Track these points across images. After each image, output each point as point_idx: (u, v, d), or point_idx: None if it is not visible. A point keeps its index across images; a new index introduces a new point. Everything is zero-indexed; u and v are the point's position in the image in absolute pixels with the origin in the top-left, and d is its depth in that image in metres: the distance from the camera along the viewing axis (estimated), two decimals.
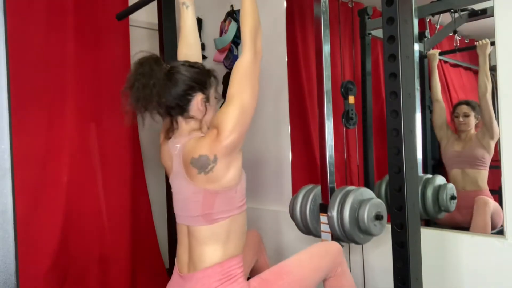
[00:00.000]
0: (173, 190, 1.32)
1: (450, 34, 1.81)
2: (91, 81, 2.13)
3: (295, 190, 2.19)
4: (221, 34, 2.42)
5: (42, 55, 1.95)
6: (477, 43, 1.66)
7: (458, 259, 1.57)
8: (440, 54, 1.83)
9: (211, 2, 2.58)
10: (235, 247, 1.24)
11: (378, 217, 1.41)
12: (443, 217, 1.74)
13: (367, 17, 1.97)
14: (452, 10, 1.76)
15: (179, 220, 1.31)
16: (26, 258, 1.77)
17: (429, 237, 1.61)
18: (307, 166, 2.20)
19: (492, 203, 1.61)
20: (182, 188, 1.26)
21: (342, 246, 1.50)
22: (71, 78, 2.07)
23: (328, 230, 1.47)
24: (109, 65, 2.19)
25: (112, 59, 2.22)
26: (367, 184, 2.03)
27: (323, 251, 1.38)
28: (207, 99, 1.30)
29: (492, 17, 1.48)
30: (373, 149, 2.00)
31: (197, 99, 1.27)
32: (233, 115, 1.18)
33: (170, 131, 1.33)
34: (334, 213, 1.42)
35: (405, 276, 1.19)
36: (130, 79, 1.22)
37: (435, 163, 1.87)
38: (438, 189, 1.68)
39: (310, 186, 1.65)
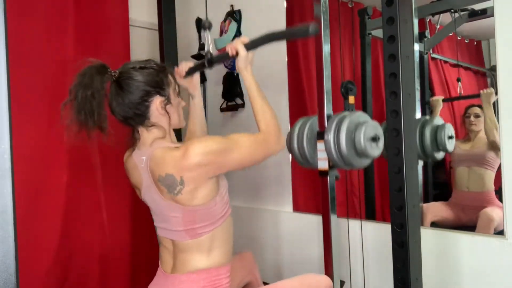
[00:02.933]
0: (149, 204, 1.23)
1: (450, 34, 1.80)
2: None
3: (295, 190, 2.19)
4: (221, 34, 2.42)
5: (42, 55, 1.95)
6: (482, 91, 1.65)
7: (458, 259, 1.57)
8: (444, 100, 1.82)
9: (211, 2, 2.58)
10: (222, 253, 1.20)
11: (375, 139, 1.39)
12: (448, 216, 1.73)
13: (367, 17, 1.97)
14: (452, 10, 1.76)
15: (160, 233, 1.24)
16: (26, 258, 1.77)
17: (429, 237, 1.61)
18: None
19: (496, 217, 1.58)
20: (158, 204, 1.17)
21: (338, 178, 1.50)
22: (71, 78, 2.06)
23: (325, 156, 1.44)
24: (109, 65, 2.18)
25: (112, 59, 2.20)
26: (367, 185, 2.03)
27: (314, 284, 1.36)
28: (167, 101, 1.19)
29: (492, 17, 1.48)
30: None
31: (156, 103, 1.17)
32: (211, 146, 1.09)
33: (131, 143, 1.24)
34: (330, 136, 1.40)
35: (405, 276, 1.19)
36: (71, 90, 1.12)
37: (435, 164, 1.87)
38: (436, 129, 1.67)
39: (305, 117, 1.64)
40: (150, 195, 1.18)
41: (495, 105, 1.54)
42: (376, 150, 1.40)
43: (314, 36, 1.14)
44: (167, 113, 1.19)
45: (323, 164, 1.47)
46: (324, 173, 1.48)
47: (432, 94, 1.85)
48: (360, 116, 1.44)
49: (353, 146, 1.39)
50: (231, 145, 1.13)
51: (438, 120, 1.69)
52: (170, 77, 1.23)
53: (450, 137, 1.66)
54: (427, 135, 1.64)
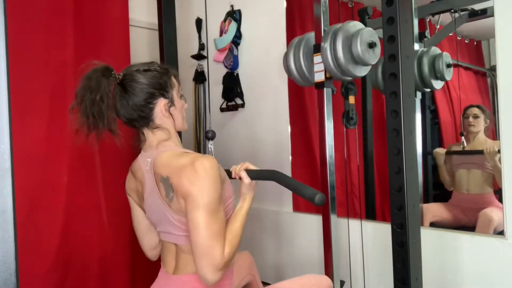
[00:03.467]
0: (150, 211, 1.21)
1: (450, 34, 1.80)
2: None
3: None
4: (221, 34, 2.42)
5: (42, 55, 1.95)
6: (485, 149, 1.64)
7: (458, 259, 1.57)
8: (447, 153, 1.83)
9: (211, 2, 2.58)
10: None
11: (371, 45, 1.38)
12: (448, 218, 1.73)
13: (367, 17, 1.97)
14: (452, 10, 1.76)
15: (164, 237, 1.22)
16: (26, 258, 1.77)
17: (429, 237, 1.61)
18: (307, 166, 2.20)
19: (496, 217, 1.58)
20: (159, 207, 1.16)
21: (334, 91, 1.48)
22: (71, 78, 2.06)
23: (322, 68, 1.43)
24: (109, 65, 2.18)
25: (112, 59, 2.21)
26: (367, 185, 2.03)
27: (314, 285, 1.36)
28: (171, 103, 1.19)
29: (492, 17, 1.48)
30: (373, 149, 2.00)
31: (160, 105, 1.17)
32: (213, 184, 1.06)
33: (138, 144, 1.24)
34: (327, 45, 1.38)
35: (405, 276, 1.19)
36: (78, 94, 1.11)
37: (435, 163, 1.87)
38: (434, 58, 1.66)
39: (301, 36, 1.62)
40: (153, 198, 1.17)
41: (495, 105, 1.54)
42: (372, 56, 1.38)
43: (318, 205, 1.11)
44: (171, 115, 1.20)
45: (319, 76, 1.46)
46: (320, 85, 1.46)
47: (432, 94, 1.85)
48: (356, 24, 1.42)
49: (350, 53, 1.38)
50: (213, 207, 1.05)
51: (435, 50, 1.68)
52: (173, 79, 1.23)
53: (448, 65, 1.65)
54: (425, 64, 1.63)
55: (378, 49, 1.40)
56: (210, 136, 1.51)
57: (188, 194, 1.06)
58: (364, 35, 1.37)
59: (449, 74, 1.66)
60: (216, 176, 1.07)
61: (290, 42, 1.62)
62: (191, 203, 1.05)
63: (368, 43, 1.38)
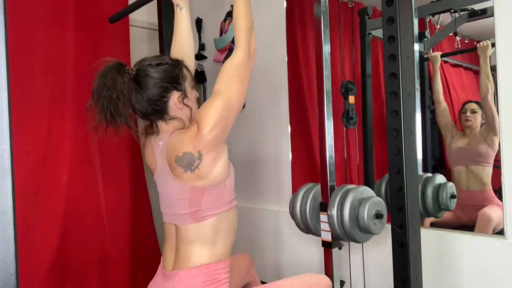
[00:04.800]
0: (158, 188, 1.28)
1: (450, 34, 1.80)
2: (91, 81, 2.13)
3: (295, 190, 2.18)
4: (221, 34, 2.42)
5: (42, 55, 1.95)
6: (478, 44, 1.65)
7: (458, 259, 1.57)
8: (442, 56, 1.83)
9: (211, 2, 2.58)
10: (224, 248, 1.22)
11: (378, 216, 1.41)
12: (448, 216, 1.73)
13: (367, 17, 1.96)
14: (452, 10, 1.76)
15: (165, 218, 1.27)
16: (26, 258, 1.77)
17: (429, 237, 1.61)
18: (307, 166, 2.20)
19: (495, 217, 1.58)
20: (167, 186, 1.22)
21: (341, 247, 1.49)
22: (71, 78, 2.07)
23: (328, 229, 1.47)
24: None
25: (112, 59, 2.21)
26: (367, 184, 2.03)
27: (314, 283, 1.37)
28: (184, 95, 1.23)
29: (492, 17, 1.48)
30: (373, 149, 2.00)
31: (174, 98, 1.21)
32: (216, 110, 1.13)
33: (150, 132, 1.28)
34: (334, 211, 1.42)
35: (405, 276, 1.19)
36: (94, 92, 1.16)
37: (435, 163, 1.87)
38: (438, 188, 1.68)
39: (310, 184, 1.65)
40: (162, 178, 1.22)
41: (496, 105, 1.54)
42: (379, 227, 1.42)
43: None
44: (186, 106, 1.23)
45: (326, 236, 1.48)
46: (327, 244, 1.49)
47: (432, 94, 1.85)
48: (363, 191, 1.45)
49: (357, 222, 1.40)
50: (225, 94, 1.15)
51: (439, 179, 1.70)
52: (185, 71, 1.26)
53: (452, 197, 1.68)
54: (428, 195, 1.66)
55: (385, 219, 1.43)
56: None
57: (217, 117, 1.13)
58: (371, 207, 1.40)
59: (453, 205, 1.68)
60: (212, 106, 1.14)
61: (300, 188, 1.64)
62: (223, 108, 1.14)
63: (375, 214, 1.40)
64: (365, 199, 1.42)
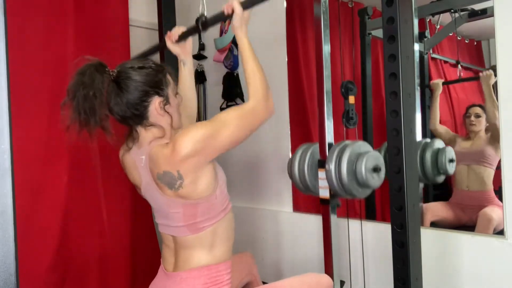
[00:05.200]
0: (150, 202, 1.24)
1: (450, 34, 1.80)
2: None
3: (295, 190, 2.19)
4: (221, 34, 2.42)
5: (42, 55, 1.95)
6: (481, 74, 1.65)
7: (458, 259, 1.57)
8: (444, 83, 1.82)
9: (211, 2, 2.58)
10: (223, 250, 1.21)
11: (376, 169, 1.39)
12: (448, 216, 1.73)
13: (367, 17, 1.97)
14: (452, 10, 1.76)
15: (162, 229, 1.24)
16: (26, 258, 1.77)
17: (429, 237, 1.61)
18: None
19: (496, 216, 1.58)
20: (158, 200, 1.18)
21: (339, 205, 1.50)
22: (72, 78, 2.07)
23: (326, 185, 1.45)
24: (109, 65, 2.19)
25: (112, 59, 2.21)
26: None
27: (315, 283, 1.37)
28: (166, 101, 1.17)
29: (492, 17, 1.48)
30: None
31: (155, 104, 1.15)
32: (194, 139, 1.07)
33: (130, 141, 1.22)
34: (332, 166, 1.40)
35: (405, 276, 1.19)
36: (70, 90, 1.09)
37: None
38: (437, 152, 1.67)
39: (307, 144, 1.63)
40: (150, 192, 1.19)
41: (495, 88, 1.54)
42: (377, 180, 1.41)
43: None
44: (166, 113, 1.18)
45: (324, 193, 1.48)
46: (325, 201, 1.49)
47: (432, 94, 1.85)
48: (361, 145, 1.45)
49: (354, 176, 1.40)
50: (217, 127, 1.10)
51: (438, 143, 1.70)
52: (168, 77, 1.21)
53: (451, 160, 1.68)
54: (427, 159, 1.66)
55: (382, 173, 1.42)
56: None
57: (195, 147, 1.07)
58: (369, 160, 1.39)
59: (452, 169, 1.68)
60: (194, 129, 1.10)
61: (297, 148, 1.63)
62: (212, 150, 1.10)
63: (373, 168, 1.40)
64: (363, 153, 1.41)
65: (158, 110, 1.16)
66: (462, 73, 1.79)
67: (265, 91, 1.17)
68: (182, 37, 1.41)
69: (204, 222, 1.16)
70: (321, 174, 1.47)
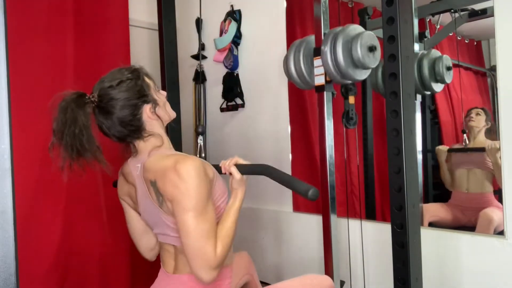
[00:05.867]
0: (145, 215, 1.21)
1: (450, 34, 1.80)
2: (91, 81, 2.12)
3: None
4: (221, 34, 2.42)
5: (42, 55, 1.95)
6: (487, 146, 1.65)
7: (458, 259, 1.57)
8: (449, 151, 1.82)
9: (211, 2, 2.58)
10: None
11: (371, 48, 1.38)
12: (448, 218, 1.73)
13: (367, 17, 1.97)
14: (452, 10, 1.76)
15: (161, 239, 1.22)
16: (26, 258, 1.77)
17: (429, 237, 1.61)
18: (307, 165, 2.20)
19: (496, 217, 1.58)
20: (151, 210, 1.15)
21: (334, 95, 1.49)
22: (71, 78, 2.07)
23: (322, 72, 1.43)
24: (109, 65, 2.17)
25: (112, 59, 2.21)
26: (367, 185, 2.03)
27: (316, 284, 1.35)
28: (154, 104, 1.15)
29: (492, 17, 1.48)
30: (373, 149, 2.00)
31: (146, 112, 1.14)
32: (199, 184, 1.05)
33: (126, 154, 1.21)
34: (327, 48, 1.37)
35: (405, 276, 1.19)
36: (56, 130, 1.07)
37: (435, 163, 1.87)
38: (434, 60, 1.66)
39: (300, 39, 1.61)
40: (145, 202, 1.17)
41: (495, 105, 1.54)
42: (372, 60, 1.38)
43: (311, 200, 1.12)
44: (158, 116, 1.17)
45: (319, 79, 1.45)
46: (320, 88, 1.47)
47: (432, 94, 1.85)
48: (356, 27, 1.42)
49: (350, 56, 1.37)
50: (201, 207, 1.04)
51: (435, 53, 1.68)
52: (146, 79, 1.19)
53: (448, 68, 1.65)
54: (425, 66, 1.63)
55: (378, 53, 1.40)
56: (201, 131, 1.55)
57: (173, 198, 1.05)
58: (364, 39, 1.37)
59: (449, 77, 1.66)
60: (200, 176, 1.05)
61: (291, 44, 1.62)
62: (177, 206, 1.04)
63: (368, 46, 1.38)
64: (357, 34, 1.39)
65: (151, 116, 1.15)
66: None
67: (224, 256, 1.07)
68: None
69: None
70: (317, 62, 1.45)
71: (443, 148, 1.83)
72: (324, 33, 1.50)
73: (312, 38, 1.59)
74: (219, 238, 1.07)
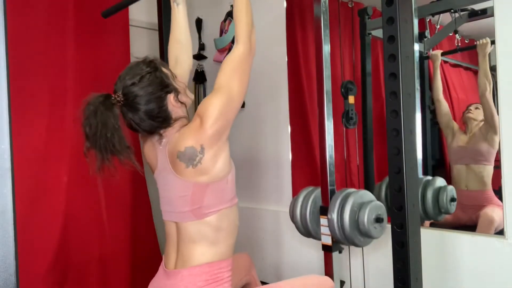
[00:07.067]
0: (159, 186, 1.26)
1: (450, 34, 1.81)
2: (91, 81, 2.14)
3: (295, 190, 2.19)
4: (221, 34, 2.42)
5: (42, 55, 1.95)
6: (477, 42, 1.65)
7: (458, 259, 1.57)
8: (443, 54, 1.83)
9: (211, 2, 2.58)
10: (226, 247, 1.21)
11: (378, 220, 1.40)
12: (448, 216, 1.73)
13: (367, 17, 1.97)
14: (452, 10, 1.76)
15: (166, 216, 1.26)
16: (26, 258, 1.77)
17: (429, 237, 1.61)
18: (307, 166, 2.20)
19: (497, 217, 1.58)
20: (168, 184, 1.21)
21: (341, 251, 1.50)
22: (71, 78, 2.07)
23: (328, 232, 1.46)
24: (109, 65, 2.19)
25: (112, 59, 2.22)
26: (367, 185, 2.03)
27: (316, 285, 1.36)
28: (176, 92, 1.21)
29: (492, 17, 1.48)
30: (373, 149, 2.00)
31: (171, 102, 1.20)
32: (218, 104, 1.13)
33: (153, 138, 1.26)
34: (334, 215, 1.41)
35: (405, 276, 1.19)
36: (89, 135, 1.11)
37: (435, 163, 1.87)
38: (438, 191, 1.68)
39: (310, 188, 1.65)
40: (163, 175, 1.22)
41: (495, 104, 1.54)
42: (379, 231, 1.41)
43: None
44: (182, 103, 1.23)
45: (326, 239, 1.48)
46: (328, 248, 1.49)
47: (432, 92, 1.85)
48: (363, 195, 1.44)
49: (357, 226, 1.40)
50: (227, 91, 1.16)
51: (440, 182, 1.70)
52: (164, 69, 1.23)
53: (452, 200, 1.68)
54: (428, 198, 1.66)
55: (385, 223, 1.42)
56: None
57: (220, 112, 1.14)
58: (371, 211, 1.39)
59: (452, 208, 1.68)
60: (215, 99, 1.15)
61: (300, 192, 1.63)
62: (231, 110, 1.17)
63: (375, 219, 1.40)
64: (365, 203, 1.42)
65: (175, 104, 1.21)
66: (460, 44, 1.78)
67: (249, 29, 1.24)
68: None
69: (209, 207, 1.17)
70: (323, 221, 1.48)
71: (436, 52, 1.83)
72: (331, 191, 1.51)
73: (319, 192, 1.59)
74: (237, 25, 1.24)
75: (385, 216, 1.43)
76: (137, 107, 1.15)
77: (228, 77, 1.17)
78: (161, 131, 1.22)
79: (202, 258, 1.17)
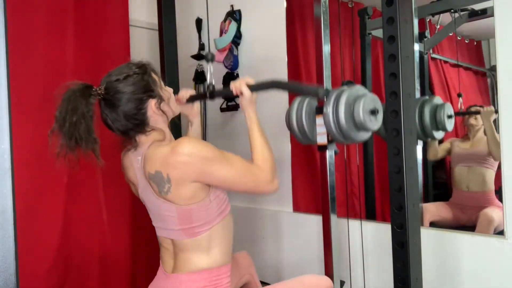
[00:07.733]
0: (146, 204, 1.23)
1: (450, 34, 1.81)
2: (91, 81, 2.13)
3: (295, 190, 2.19)
4: (221, 34, 2.42)
5: (42, 55, 1.95)
6: (481, 109, 1.66)
7: (458, 259, 1.57)
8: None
9: (211, 2, 2.58)
10: (222, 253, 1.20)
11: (374, 112, 1.38)
12: (448, 217, 1.73)
13: (367, 17, 1.97)
14: (452, 10, 1.76)
15: (159, 232, 1.24)
16: (26, 258, 1.77)
17: (429, 237, 1.61)
18: (307, 166, 2.20)
19: (496, 217, 1.57)
20: (154, 203, 1.17)
21: (337, 153, 1.51)
22: (71, 78, 2.06)
23: (324, 131, 1.44)
24: (109, 65, 2.18)
25: (112, 59, 2.22)
26: (367, 185, 2.03)
27: (314, 285, 1.36)
28: (160, 100, 1.17)
29: (492, 17, 1.48)
30: (373, 149, 2.00)
31: (151, 107, 1.16)
32: (200, 148, 1.09)
33: (128, 147, 1.23)
34: (329, 109, 1.38)
35: (405, 276, 1.19)
36: (58, 118, 1.08)
37: (435, 163, 1.87)
38: (436, 108, 1.66)
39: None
40: (146, 194, 1.19)
41: (495, 105, 1.54)
42: (375, 123, 1.38)
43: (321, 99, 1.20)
44: (163, 112, 1.19)
45: (322, 139, 1.45)
46: (323, 148, 1.48)
47: (432, 94, 1.85)
48: (359, 89, 1.42)
49: (352, 119, 1.37)
50: (220, 159, 1.11)
51: (437, 100, 1.68)
52: (153, 75, 1.20)
53: (449, 116, 1.65)
54: (426, 115, 1.63)
55: (380, 115, 1.40)
56: (210, 58, 1.51)
57: (193, 175, 1.09)
58: (366, 103, 1.37)
59: (450, 125, 1.66)
60: (199, 143, 1.11)
61: (294, 99, 1.62)
62: (202, 175, 1.09)
63: (371, 110, 1.38)
64: (360, 96, 1.39)
65: (156, 111, 1.17)
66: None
67: (273, 168, 1.20)
68: (190, 100, 1.44)
69: (200, 227, 1.15)
70: (319, 120, 1.44)
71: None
72: (327, 89, 1.50)
73: None
74: (258, 159, 1.19)
75: (380, 108, 1.40)
76: (115, 103, 1.13)
77: (235, 161, 1.14)
78: (135, 136, 1.18)
79: (200, 265, 1.17)
